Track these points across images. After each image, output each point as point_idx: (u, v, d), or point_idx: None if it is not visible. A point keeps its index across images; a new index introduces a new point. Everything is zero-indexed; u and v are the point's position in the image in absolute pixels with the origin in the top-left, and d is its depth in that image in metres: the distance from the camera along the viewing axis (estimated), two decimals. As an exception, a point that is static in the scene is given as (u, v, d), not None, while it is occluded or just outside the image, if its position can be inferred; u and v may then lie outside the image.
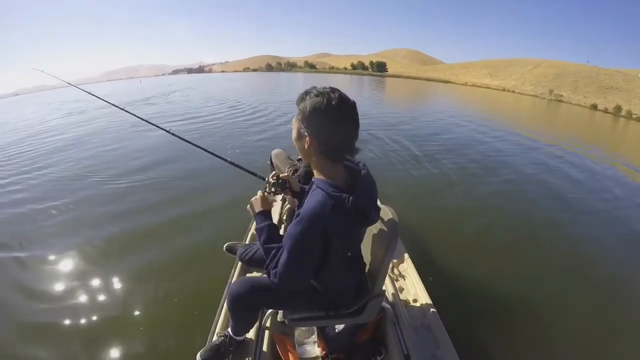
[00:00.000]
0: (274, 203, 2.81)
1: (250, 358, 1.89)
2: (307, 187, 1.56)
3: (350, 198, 1.27)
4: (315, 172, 1.43)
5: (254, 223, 3.10)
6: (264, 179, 1.89)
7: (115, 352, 2.43)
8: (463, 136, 11.40)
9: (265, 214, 1.64)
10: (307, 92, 1.31)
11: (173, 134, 2.82)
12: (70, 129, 11.99)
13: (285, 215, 3.08)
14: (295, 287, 1.49)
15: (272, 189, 1.82)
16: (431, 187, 6.15)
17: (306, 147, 1.34)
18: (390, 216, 1.65)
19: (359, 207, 1.29)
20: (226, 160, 2.55)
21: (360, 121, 1.34)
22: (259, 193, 1.73)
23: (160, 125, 2.89)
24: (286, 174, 1.87)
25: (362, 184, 1.36)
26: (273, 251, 1.43)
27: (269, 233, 1.53)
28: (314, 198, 1.33)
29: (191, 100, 20.47)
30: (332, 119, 1.26)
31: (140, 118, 3.06)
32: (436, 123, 14.06)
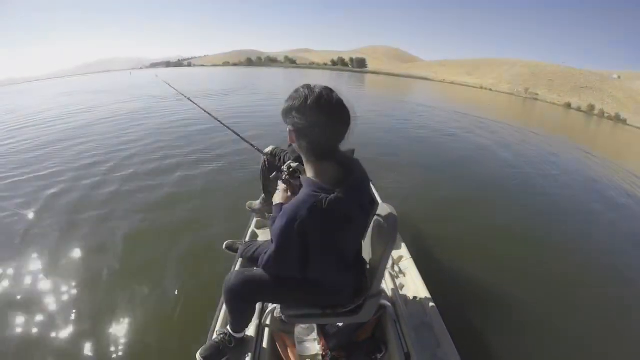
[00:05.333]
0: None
1: (250, 355, 1.87)
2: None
3: (327, 198, 1.26)
4: (305, 167, 1.45)
5: (254, 221, 3.12)
6: (280, 169, 1.91)
7: (114, 351, 2.37)
8: (462, 135, 11.51)
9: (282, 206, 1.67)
10: (296, 89, 1.32)
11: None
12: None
13: None
14: (278, 274, 1.58)
15: (288, 177, 1.82)
16: (433, 184, 6.15)
17: (289, 141, 1.39)
18: (390, 215, 1.65)
19: (338, 207, 1.28)
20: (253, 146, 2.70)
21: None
22: (281, 186, 1.77)
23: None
24: (297, 164, 1.86)
25: (348, 182, 1.34)
26: None
27: None
28: (298, 195, 1.36)
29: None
30: (306, 117, 1.26)
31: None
32: (433, 120, 14.17)
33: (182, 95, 3.48)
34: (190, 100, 3.54)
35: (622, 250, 4.53)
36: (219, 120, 3.10)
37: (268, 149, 2.90)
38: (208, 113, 3.24)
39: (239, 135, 2.95)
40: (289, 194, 1.72)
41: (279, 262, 1.44)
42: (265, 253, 1.46)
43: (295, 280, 1.61)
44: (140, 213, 4.28)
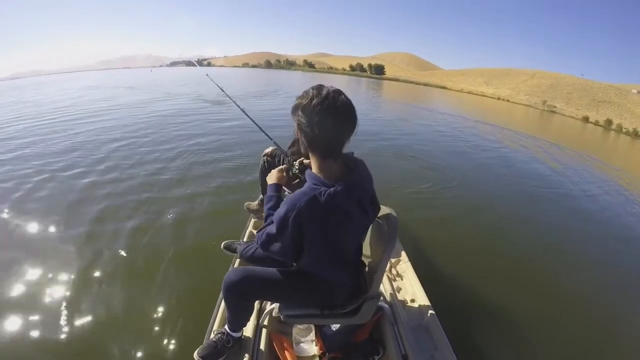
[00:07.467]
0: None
1: (247, 356, 1.87)
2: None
3: (326, 192, 1.31)
4: (311, 162, 1.49)
5: (252, 222, 3.13)
6: (290, 162, 2.00)
7: (112, 352, 2.36)
8: (465, 140, 11.59)
9: (278, 186, 1.80)
10: (307, 89, 1.36)
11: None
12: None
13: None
14: (271, 255, 1.57)
15: (297, 172, 1.95)
16: (431, 187, 6.12)
17: (296, 137, 1.46)
18: (390, 218, 1.66)
19: (335, 201, 1.32)
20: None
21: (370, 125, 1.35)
22: (280, 167, 1.88)
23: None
24: (308, 160, 1.89)
25: (348, 181, 1.37)
26: (270, 218, 1.51)
27: (276, 202, 1.66)
28: (302, 188, 1.41)
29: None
30: (310, 117, 1.31)
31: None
32: (438, 128, 14.20)
33: (227, 95, 3.39)
34: (231, 99, 3.43)
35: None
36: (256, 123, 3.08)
37: (268, 150, 2.90)
38: (251, 119, 3.20)
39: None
40: (284, 174, 1.82)
41: (274, 242, 1.47)
42: (264, 231, 1.51)
43: (294, 277, 1.64)
44: (139, 213, 4.28)
